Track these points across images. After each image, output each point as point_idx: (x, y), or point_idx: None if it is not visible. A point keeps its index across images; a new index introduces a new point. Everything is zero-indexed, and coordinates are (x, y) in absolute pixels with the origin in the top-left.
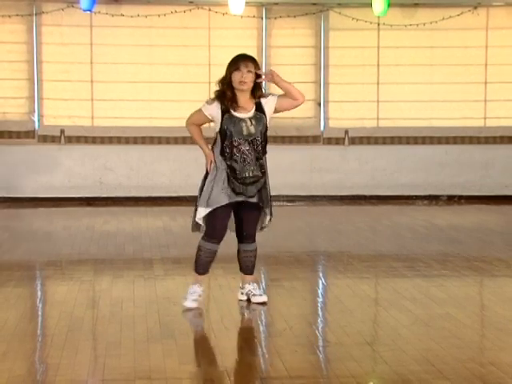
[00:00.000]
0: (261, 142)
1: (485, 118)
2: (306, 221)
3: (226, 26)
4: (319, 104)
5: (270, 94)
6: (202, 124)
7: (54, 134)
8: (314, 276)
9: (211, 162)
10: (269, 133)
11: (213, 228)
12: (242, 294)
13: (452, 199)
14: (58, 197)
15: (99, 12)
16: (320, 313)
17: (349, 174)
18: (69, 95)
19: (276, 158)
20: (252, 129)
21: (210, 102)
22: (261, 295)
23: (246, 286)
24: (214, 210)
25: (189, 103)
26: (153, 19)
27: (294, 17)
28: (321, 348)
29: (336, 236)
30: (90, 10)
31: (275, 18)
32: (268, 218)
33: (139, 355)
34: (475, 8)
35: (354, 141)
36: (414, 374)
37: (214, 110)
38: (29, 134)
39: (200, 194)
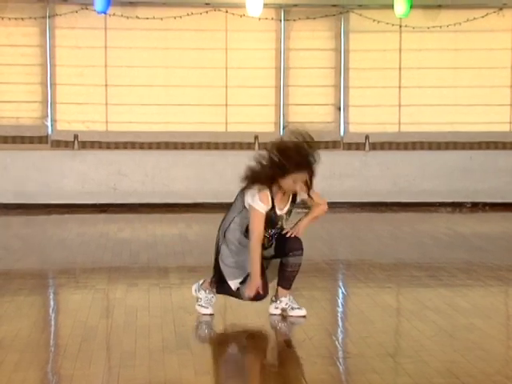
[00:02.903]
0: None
1: (510, 123)
2: (325, 228)
3: (244, 28)
4: (339, 108)
5: None
6: None
7: (68, 139)
8: (334, 285)
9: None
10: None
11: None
12: (277, 308)
13: (476, 206)
14: (71, 203)
15: (114, 14)
16: (340, 323)
17: (370, 180)
18: (83, 99)
19: None
20: (284, 222)
21: (265, 200)
22: (300, 308)
23: (283, 299)
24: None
25: (205, 107)
26: (168, 21)
27: (314, 19)
28: (341, 359)
29: (356, 244)
30: (104, 13)
31: (294, 20)
32: None
33: (154, 366)
34: (500, 9)
35: (375, 146)
36: None
37: (268, 208)
38: (42, 140)
39: (219, 270)
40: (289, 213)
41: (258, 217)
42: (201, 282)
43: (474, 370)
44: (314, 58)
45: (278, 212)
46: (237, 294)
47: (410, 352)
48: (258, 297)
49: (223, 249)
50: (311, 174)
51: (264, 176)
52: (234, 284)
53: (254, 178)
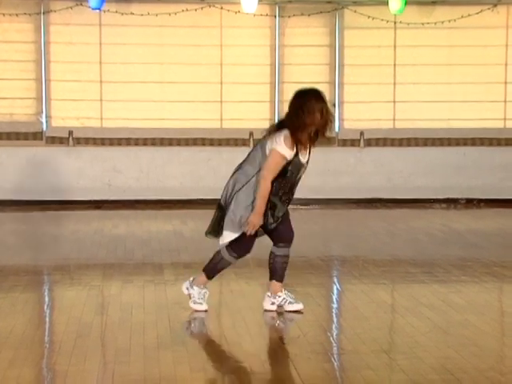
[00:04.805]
0: None
1: (505, 119)
2: (320, 225)
3: (239, 24)
4: (334, 105)
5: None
6: None
7: (63, 135)
8: (329, 282)
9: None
10: None
11: (242, 248)
12: (273, 304)
13: (471, 203)
14: (66, 200)
15: (108, 10)
16: (335, 319)
17: (364, 176)
18: (77, 96)
19: None
20: (303, 172)
21: (290, 145)
22: (297, 302)
23: (280, 294)
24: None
25: (200, 104)
26: (163, 18)
27: (308, 15)
28: (336, 356)
29: (351, 240)
30: (98, 9)
31: (289, 17)
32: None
33: (149, 362)
34: (495, 6)
35: (370, 142)
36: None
37: (293, 154)
38: (36, 136)
39: (225, 217)
40: (307, 163)
41: (278, 159)
42: (191, 279)
43: (468, 365)
44: (309, 55)
45: (302, 160)
46: (227, 258)
47: (405, 348)
48: (247, 252)
49: (239, 197)
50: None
51: (291, 121)
52: (227, 236)
53: (280, 125)
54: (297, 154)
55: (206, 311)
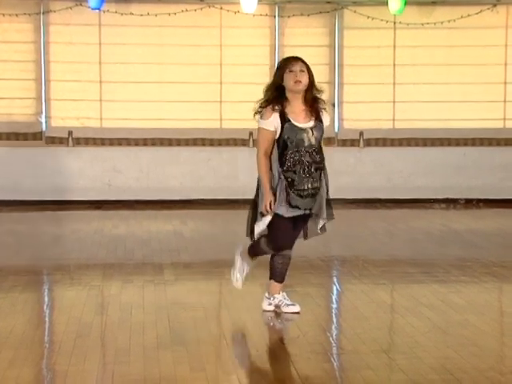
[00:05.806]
0: (319, 150)
1: (504, 119)
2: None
3: (238, 24)
4: (333, 105)
5: (325, 109)
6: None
7: (62, 135)
8: (329, 282)
9: (270, 207)
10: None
11: (277, 241)
12: (270, 304)
13: (470, 203)
14: (65, 200)
15: (108, 10)
16: (334, 319)
17: (364, 176)
18: (77, 96)
19: None
20: (313, 139)
21: (266, 115)
22: (294, 305)
23: (277, 296)
24: (274, 222)
25: (200, 104)
26: (163, 18)
27: (308, 15)
28: (335, 356)
29: (351, 241)
30: (98, 9)
31: (288, 17)
32: (320, 225)
33: (149, 362)
34: (494, 6)
35: (370, 142)
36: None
37: (276, 121)
38: (36, 136)
39: (254, 210)
40: (316, 130)
41: (261, 132)
42: (241, 249)
43: (467, 365)
44: (309, 55)
45: (300, 125)
46: (263, 247)
47: (405, 348)
48: (282, 246)
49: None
50: (301, 62)
51: (269, 94)
52: (257, 228)
53: (262, 104)
54: (287, 120)
55: (240, 288)
